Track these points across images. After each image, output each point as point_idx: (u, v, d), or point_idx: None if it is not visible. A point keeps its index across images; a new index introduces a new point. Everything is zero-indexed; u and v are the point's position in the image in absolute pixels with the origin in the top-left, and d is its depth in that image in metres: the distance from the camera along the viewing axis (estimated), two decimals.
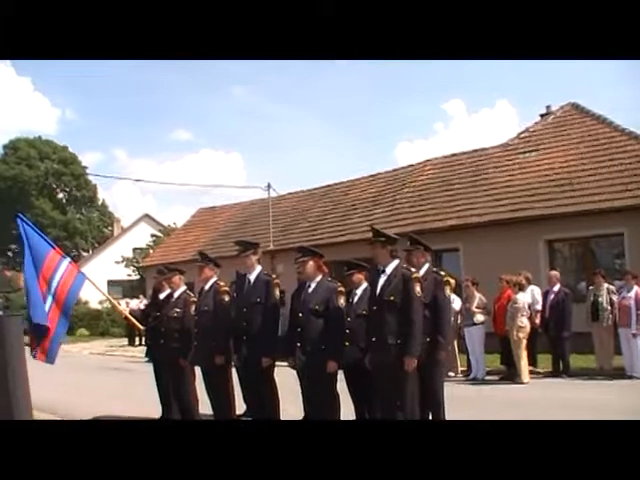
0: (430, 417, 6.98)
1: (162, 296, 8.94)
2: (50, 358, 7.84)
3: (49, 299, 8.23)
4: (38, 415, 7.12)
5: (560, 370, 11.70)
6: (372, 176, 23.62)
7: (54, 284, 8.39)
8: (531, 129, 19.89)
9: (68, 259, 9.00)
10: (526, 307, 11.40)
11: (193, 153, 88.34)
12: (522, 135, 19.76)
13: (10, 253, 56.22)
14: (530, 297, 11.95)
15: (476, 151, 20.35)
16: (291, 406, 7.42)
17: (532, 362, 11.93)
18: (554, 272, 12.72)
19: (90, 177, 55.55)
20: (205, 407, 8.14)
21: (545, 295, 12.24)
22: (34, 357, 7.86)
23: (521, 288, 11.55)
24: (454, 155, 20.93)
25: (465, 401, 9.49)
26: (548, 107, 20.58)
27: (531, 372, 11.53)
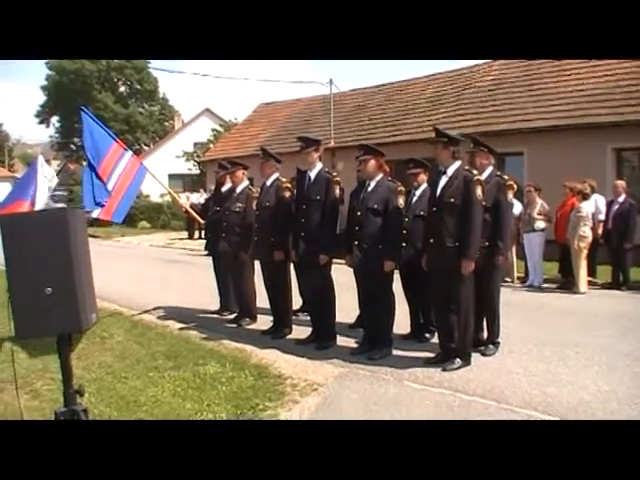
0: (485, 321, 7.02)
1: (224, 190, 9.03)
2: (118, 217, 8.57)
3: (108, 188, 8.44)
4: (101, 304, 7.40)
5: (619, 282, 11.51)
6: (436, 74, 22.91)
7: (114, 176, 8.55)
8: None
9: (130, 152, 9.10)
10: (590, 216, 11.13)
11: None
12: None
13: (73, 146, 57.24)
14: (594, 206, 11.65)
15: None
16: (347, 301, 7.54)
17: (591, 273, 11.74)
18: (620, 182, 12.26)
19: (152, 70, 55.44)
20: (263, 300, 8.35)
21: (609, 205, 11.87)
22: (98, 216, 8.42)
23: (585, 197, 11.24)
24: None
25: (520, 307, 9.50)
26: None
27: (589, 283, 11.38)
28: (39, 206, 7.13)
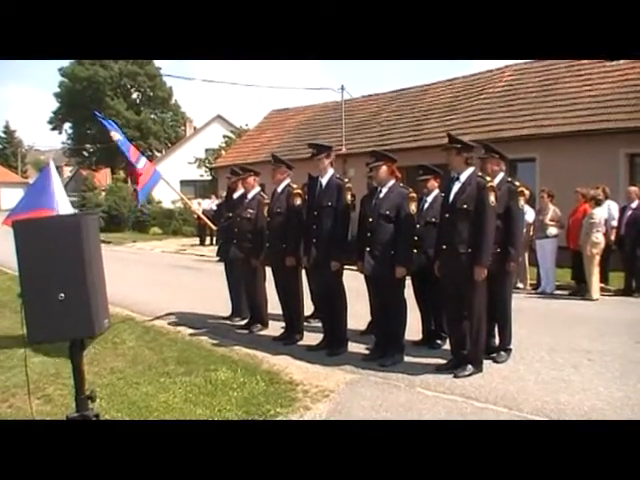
0: (496, 328, 6.99)
1: (236, 196, 9.04)
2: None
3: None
4: (113, 309, 7.43)
5: (632, 289, 11.43)
6: (449, 81, 22.85)
7: (140, 163, 8.80)
8: None
9: (144, 157, 9.28)
10: (602, 222, 11.08)
11: None
12: None
13: (85, 153, 57.64)
14: (606, 212, 11.59)
15: None
16: (359, 308, 7.53)
17: (604, 279, 11.69)
18: (634, 188, 12.18)
19: (165, 78, 55.81)
20: (274, 307, 8.35)
21: (622, 211, 11.81)
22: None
23: (598, 203, 11.19)
24: (535, 61, 20.00)
25: (532, 314, 9.46)
26: None
27: (602, 289, 11.32)
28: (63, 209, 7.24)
